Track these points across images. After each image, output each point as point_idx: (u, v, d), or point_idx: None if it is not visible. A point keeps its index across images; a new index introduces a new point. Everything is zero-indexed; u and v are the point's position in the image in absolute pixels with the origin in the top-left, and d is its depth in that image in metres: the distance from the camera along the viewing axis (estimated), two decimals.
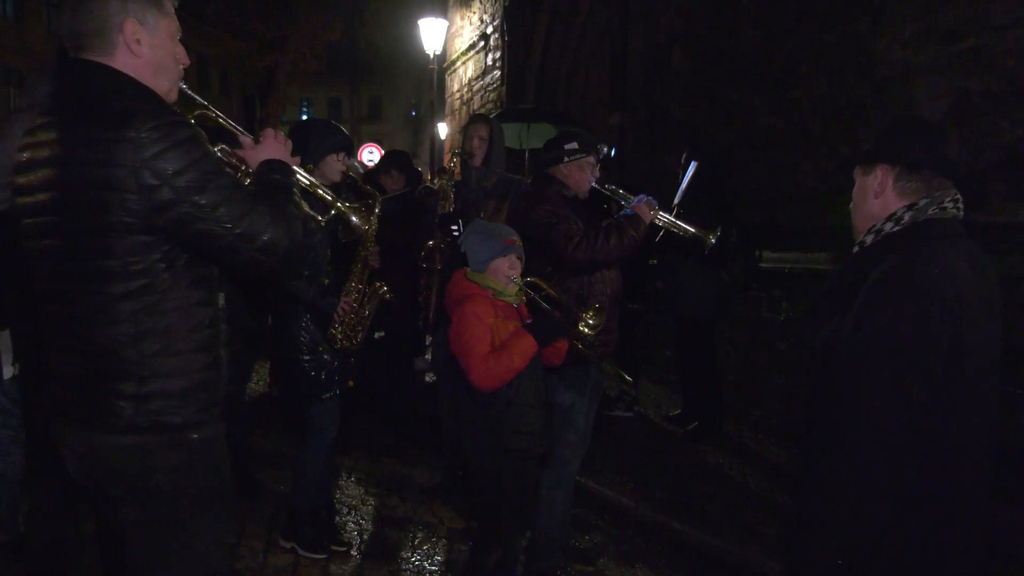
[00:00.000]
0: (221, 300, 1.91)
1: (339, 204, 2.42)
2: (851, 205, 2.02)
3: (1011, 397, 3.86)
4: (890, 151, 1.89)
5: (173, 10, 1.89)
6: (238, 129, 2.06)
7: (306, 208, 2.07)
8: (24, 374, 3.04)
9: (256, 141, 2.08)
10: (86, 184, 1.68)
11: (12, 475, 3.19)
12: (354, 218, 2.42)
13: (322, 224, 2.47)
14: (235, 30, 25.71)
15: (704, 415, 5.61)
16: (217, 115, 2.05)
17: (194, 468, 1.86)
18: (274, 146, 2.07)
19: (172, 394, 1.80)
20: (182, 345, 1.81)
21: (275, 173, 1.99)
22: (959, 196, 1.85)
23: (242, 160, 2.08)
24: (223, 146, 2.05)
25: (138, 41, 1.80)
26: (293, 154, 3.47)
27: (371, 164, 11.30)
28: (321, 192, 2.36)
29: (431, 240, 4.45)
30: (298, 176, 2.14)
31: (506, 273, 3.02)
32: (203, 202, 1.71)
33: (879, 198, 1.90)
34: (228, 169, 1.98)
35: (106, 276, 1.72)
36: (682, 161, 5.55)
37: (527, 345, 2.89)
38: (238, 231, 1.76)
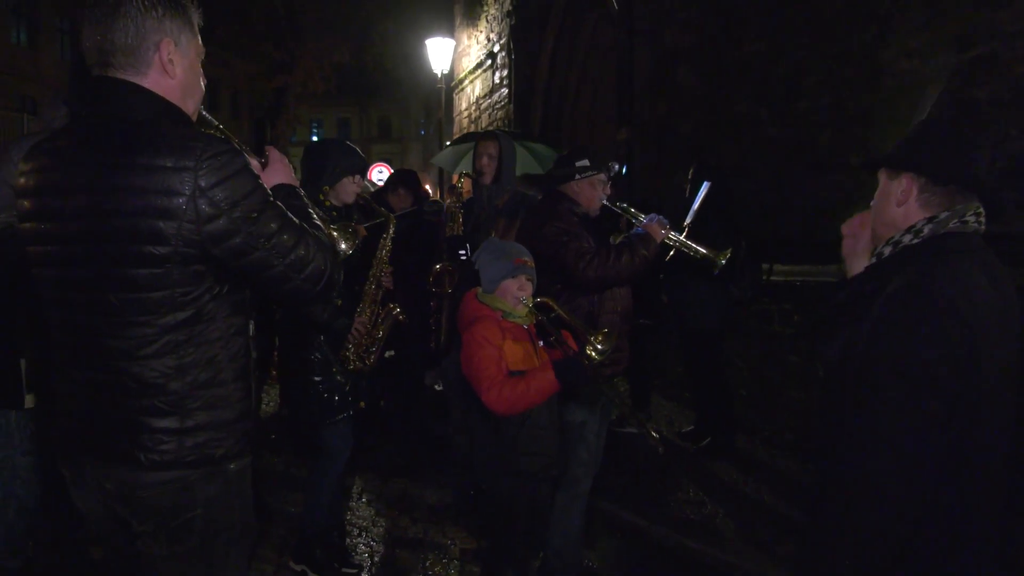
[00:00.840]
0: (252, 327, 1.90)
1: (330, 228, 2.39)
2: (872, 205, 1.98)
3: None
4: (918, 160, 1.83)
5: (198, 29, 1.85)
6: (246, 150, 2.04)
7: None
8: (38, 405, 3.03)
9: (262, 163, 2.05)
10: (138, 212, 1.62)
11: (31, 503, 3.18)
12: (342, 243, 2.40)
13: None
14: (245, 53, 25.96)
15: (717, 430, 5.55)
16: (228, 136, 2.02)
17: (229, 500, 1.84)
18: (282, 169, 2.05)
19: (216, 426, 1.77)
20: (224, 375, 1.78)
21: (293, 199, 1.96)
22: (981, 210, 1.81)
23: None
24: None
25: (171, 62, 1.75)
26: (310, 175, 3.47)
27: (380, 184, 11.34)
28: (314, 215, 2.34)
29: (439, 263, 4.43)
30: None
31: (515, 294, 2.99)
32: (259, 233, 1.70)
33: (901, 207, 1.85)
34: None
35: (152, 307, 1.67)
36: (688, 176, 5.54)
37: (547, 383, 2.82)
38: (289, 260, 1.76)
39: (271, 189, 1.94)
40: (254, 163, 2.01)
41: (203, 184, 1.62)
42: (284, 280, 1.78)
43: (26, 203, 1.77)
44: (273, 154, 2.09)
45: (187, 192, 1.61)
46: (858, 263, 2.05)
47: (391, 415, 5.90)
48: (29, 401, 3.02)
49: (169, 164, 1.61)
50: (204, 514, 1.78)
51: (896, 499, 1.64)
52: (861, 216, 2.05)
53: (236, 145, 1.94)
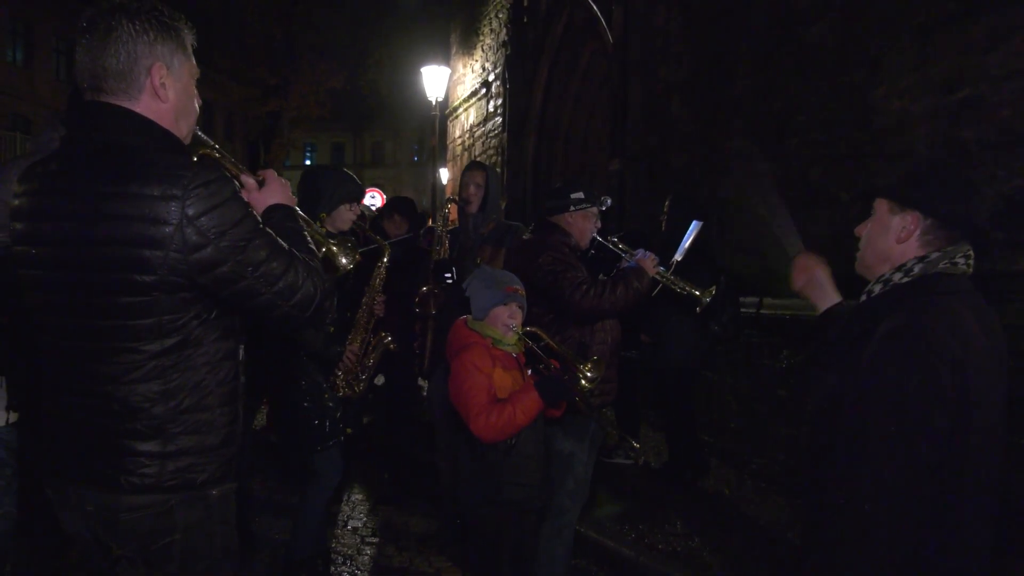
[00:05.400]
0: (242, 352, 1.88)
1: (329, 244, 2.38)
2: (861, 232, 1.98)
3: (1015, 447, 3.81)
4: (929, 201, 1.82)
5: (192, 51, 1.83)
6: (242, 169, 2.01)
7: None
8: (21, 425, 2.99)
9: (259, 183, 2.02)
10: (125, 241, 1.60)
11: (2, 527, 3.12)
12: (342, 258, 2.39)
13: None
14: (241, 77, 26.08)
15: (677, 460, 5.56)
16: (222, 155, 1.99)
17: (210, 526, 1.81)
18: (279, 189, 2.03)
19: (199, 451, 1.75)
20: (210, 400, 1.77)
21: (288, 221, 1.94)
22: (971, 252, 1.82)
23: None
24: None
25: (164, 85, 1.74)
26: (307, 200, 3.46)
27: (372, 208, 11.36)
28: (311, 232, 2.32)
29: (425, 286, 4.44)
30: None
31: (505, 322, 3.00)
32: (247, 262, 1.69)
33: (901, 244, 1.85)
34: None
35: (139, 334, 1.66)
36: (664, 209, 5.54)
37: (532, 403, 2.82)
38: (277, 288, 1.74)
39: (267, 210, 1.93)
40: (251, 181, 1.99)
41: (190, 213, 1.61)
42: (272, 307, 1.77)
43: (19, 226, 1.76)
44: (269, 174, 2.05)
45: (174, 221, 1.60)
46: (824, 296, 2.10)
47: (379, 441, 5.85)
48: (12, 417, 2.98)
49: (156, 193, 1.60)
50: (183, 540, 1.76)
51: (884, 542, 1.64)
52: (803, 259, 2.11)
53: (230, 167, 1.93)
